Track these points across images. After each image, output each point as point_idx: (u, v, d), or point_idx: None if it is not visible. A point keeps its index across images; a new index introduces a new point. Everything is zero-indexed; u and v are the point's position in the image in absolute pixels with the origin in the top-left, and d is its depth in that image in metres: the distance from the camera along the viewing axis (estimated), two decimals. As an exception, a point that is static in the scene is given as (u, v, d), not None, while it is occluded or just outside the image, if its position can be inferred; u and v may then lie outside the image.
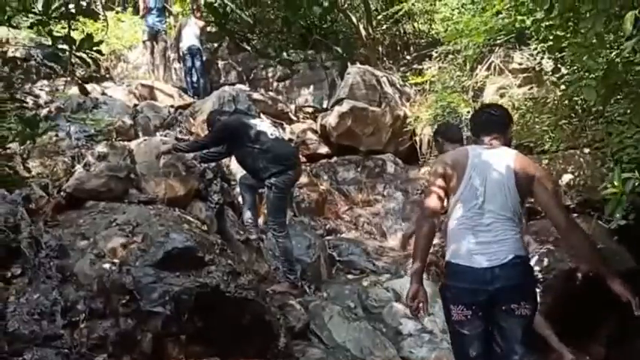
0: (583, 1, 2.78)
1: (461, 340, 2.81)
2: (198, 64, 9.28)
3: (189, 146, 5.34)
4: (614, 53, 3.18)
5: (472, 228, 2.77)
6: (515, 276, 2.74)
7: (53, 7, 2.67)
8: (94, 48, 2.88)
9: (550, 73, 4.71)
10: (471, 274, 2.73)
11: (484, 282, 2.70)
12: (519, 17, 3.73)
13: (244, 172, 5.31)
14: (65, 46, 2.91)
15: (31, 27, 2.81)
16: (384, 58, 11.33)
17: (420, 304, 2.80)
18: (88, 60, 2.96)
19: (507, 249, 2.73)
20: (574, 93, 4.05)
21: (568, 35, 3.31)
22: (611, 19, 2.73)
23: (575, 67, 4.01)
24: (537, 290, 3.00)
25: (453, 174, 2.85)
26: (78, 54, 2.93)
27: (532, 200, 2.99)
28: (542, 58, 5.37)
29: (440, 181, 2.87)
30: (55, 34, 2.93)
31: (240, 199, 5.22)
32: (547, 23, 3.31)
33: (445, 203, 2.92)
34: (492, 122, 3.03)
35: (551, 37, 3.65)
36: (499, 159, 2.84)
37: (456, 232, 2.82)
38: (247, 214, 5.12)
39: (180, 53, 9.46)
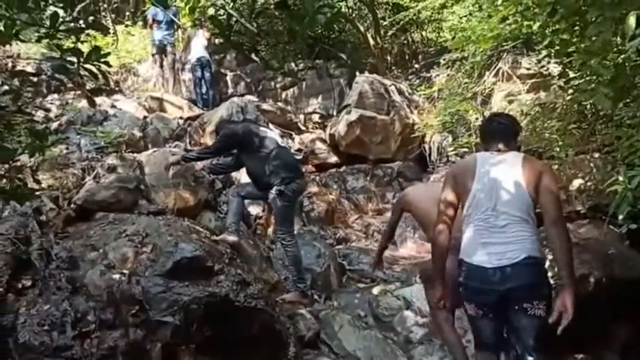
0: (588, 6, 2.77)
1: (475, 328, 2.98)
2: (207, 75, 9.35)
3: (198, 154, 5.32)
4: (622, 57, 3.16)
5: (487, 229, 2.83)
6: (527, 275, 2.76)
7: (61, 21, 2.69)
8: (102, 60, 2.90)
9: (557, 78, 4.67)
10: (481, 273, 2.80)
11: (494, 282, 2.76)
12: (525, 22, 3.71)
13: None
14: (73, 59, 2.94)
15: (39, 40, 2.82)
16: (393, 67, 11.36)
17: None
18: (96, 72, 2.99)
19: (520, 249, 2.76)
20: (583, 98, 4.02)
21: (574, 40, 3.29)
22: (617, 23, 2.72)
23: (583, 72, 3.99)
24: (552, 293, 2.91)
25: (462, 182, 2.95)
26: (86, 66, 2.95)
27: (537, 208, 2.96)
28: (549, 62, 5.35)
29: (451, 197, 2.99)
30: (63, 47, 2.97)
31: (231, 204, 5.07)
32: (552, 28, 3.29)
33: (456, 213, 3.03)
34: (501, 131, 3.08)
35: (557, 42, 3.63)
36: (508, 163, 2.91)
37: (471, 233, 2.89)
38: (231, 219, 4.94)
39: (189, 65, 9.54)
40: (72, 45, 2.91)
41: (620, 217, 2.51)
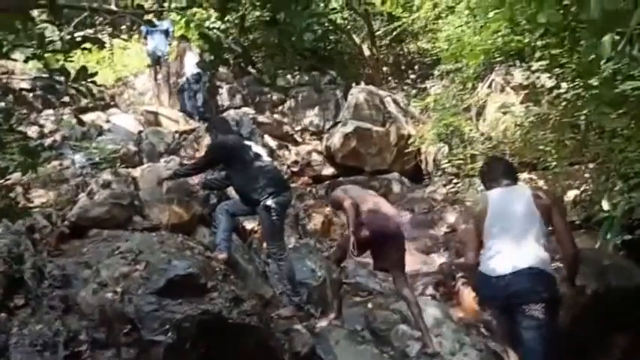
0: (579, 24, 2.77)
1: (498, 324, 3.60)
2: (201, 88, 9.34)
3: (188, 170, 5.30)
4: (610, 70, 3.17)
5: (497, 247, 3.33)
6: (526, 281, 3.22)
7: (49, 40, 2.69)
8: (90, 80, 2.90)
9: (548, 91, 4.68)
10: (490, 281, 3.31)
11: (499, 287, 3.26)
12: (516, 37, 3.72)
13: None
14: (61, 78, 2.94)
15: (26, 61, 2.82)
16: (389, 77, 11.39)
17: None
18: (85, 91, 2.98)
19: (525, 261, 3.22)
20: (574, 109, 4.03)
21: (564, 54, 3.29)
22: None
23: (573, 84, 4.00)
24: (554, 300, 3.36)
25: (480, 215, 3.46)
26: (74, 85, 2.95)
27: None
28: (541, 74, 5.35)
29: (472, 225, 3.52)
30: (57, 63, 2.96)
31: (219, 221, 5.04)
32: (542, 43, 3.30)
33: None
34: (510, 168, 3.71)
35: (547, 57, 3.64)
36: (518, 193, 3.49)
37: (486, 250, 3.39)
38: (221, 235, 4.89)
39: (184, 80, 9.52)
40: (65, 61, 2.91)
41: (610, 247, 2.53)
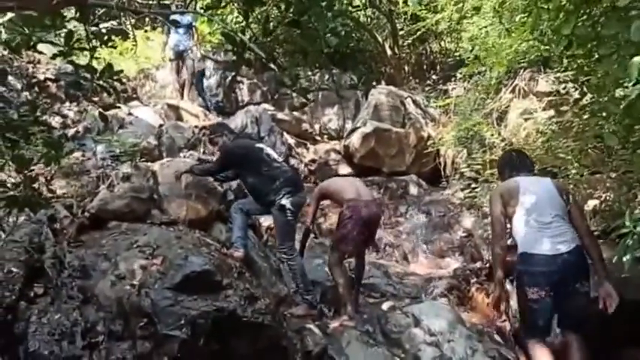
0: (602, 40, 2.73)
1: (535, 311, 3.65)
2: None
3: (202, 171, 5.39)
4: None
5: (539, 228, 3.59)
6: (578, 261, 3.58)
7: (76, 39, 2.74)
8: (115, 77, 2.94)
9: (573, 101, 4.63)
10: (545, 259, 3.53)
11: (556, 265, 3.52)
12: (542, 46, 3.68)
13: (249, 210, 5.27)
14: (87, 75, 2.98)
15: (54, 57, 2.87)
16: (410, 77, 11.33)
17: (503, 305, 4.05)
18: (109, 88, 3.03)
19: (570, 239, 3.57)
20: (599, 120, 3.98)
21: (591, 65, 3.26)
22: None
23: (597, 95, 3.95)
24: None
25: (510, 199, 3.74)
26: (100, 82, 2.99)
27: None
28: (566, 83, 5.28)
29: (500, 208, 3.75)
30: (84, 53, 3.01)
31: (235, 219, 5.09)
32: (569, 53, 3.26)
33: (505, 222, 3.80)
34: (528, 160, 4.08)
35: (574, 67, 3.60)
36: (542, 181, 3.88)
37: (528, 232, 3.62)
38: (237, 233, 4.93)
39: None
40: (92, 58, 2.95)
41: (626, 267, 2.47)
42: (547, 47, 3.68)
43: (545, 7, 3.44)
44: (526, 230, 3.64)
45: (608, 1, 2.53)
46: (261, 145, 5.33)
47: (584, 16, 2.72)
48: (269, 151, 5.27)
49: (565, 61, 3.68)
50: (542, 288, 3.57)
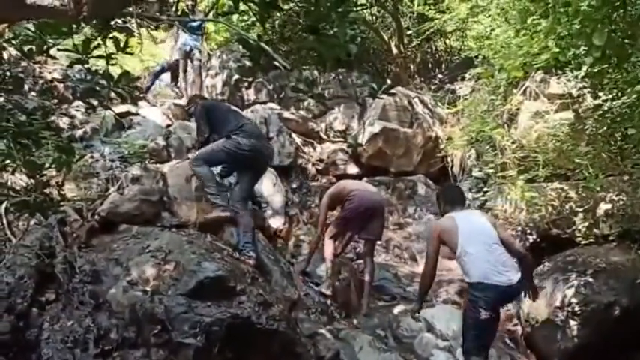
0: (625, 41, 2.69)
1: (487, 329, 4.01)
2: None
3: (200, 144, 5.58)
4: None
5: (486, 259, 3.94)
6: (521, 287, 4.09)
7: (94, 46, 2.70)
8: (131, 84, 2.90)
9: (594, 107, 4.58)
10: (499, 289, 3.89)
11: (506, 293, 4.00)
12: (557, 49, 3.64)
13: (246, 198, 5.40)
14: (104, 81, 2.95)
15: (70, 65, 2.83)
16: (415, 76, 11.26)
17: None
18: (125, 95, 2.99)
19: (514, 268, 3.98)
20: (615, 124, 3.94)
21: (610, 70, 3.22)
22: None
23: (613, 98, 3.92)
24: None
25: (450, 238, 4.07)
26: (116, 89, 2.96)
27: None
28: (580, 84, 5.23)
29: (436, 247, 4.18)
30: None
31: (242, 220, 5.04)
32: (589, 59, 3.21)
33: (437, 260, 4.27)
34: (463, 195, 4.57)
35: (594, 71, 3.56)
36: (477, 215, 4.36)
37: (475, 263, 3.96)
38: (244, 239, 4.96)
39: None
40: (108, 65, 2.91)
41: None
42: (560, 51, 3.63)
43: (564, 11, 3.39)
44: (473, 261, 3.97)
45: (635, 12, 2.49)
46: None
47: (612, 25, 2.68)
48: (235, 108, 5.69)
49: (585, 65, 3.61)
50: (494, 311, 3.97)
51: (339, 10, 2.85)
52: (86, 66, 2.88)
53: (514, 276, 3.93)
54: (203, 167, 5.20)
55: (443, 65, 11.69)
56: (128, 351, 3.68)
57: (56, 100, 6.50)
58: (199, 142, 5.65)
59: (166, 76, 10.61)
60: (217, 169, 5.52)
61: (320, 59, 3.07)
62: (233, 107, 6.12)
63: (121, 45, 2.84)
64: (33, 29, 2.80)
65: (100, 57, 2.69)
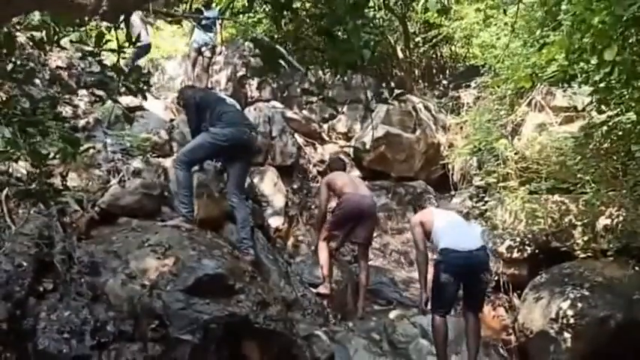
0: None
1: (445, 292, 4.65)
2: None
3: (192, 130, 5.53)
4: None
5: (449, 230, 4.75)
6: (485, 255, 4.75)
7: (106, 40, 2.69)
8: (143, 79, 2.90)
9: (600, 123, 4.59)
10: (460, 254, 4.56)
11: (466, 259, 4.57)
12: (567, 62, 3.65)
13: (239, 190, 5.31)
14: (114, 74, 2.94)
15: (83, 57, 2.83)
16: (419, 81, 11.26)
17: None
18: (135, 90, 2.98)
19: (479, 242, 4.72)
20: (620, 139, 3.95)
21: (618, 86, 3.23)
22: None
23: (619, 111, 3.92)
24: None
25: (427, 215, 5.07)
26: (126, 83, 2.95)
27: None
28: (589, 102, 5.23)
29: (420, 230, 4.94)
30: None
31: (239, 213, 5.06)
32: (599, 75, 3.23)
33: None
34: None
35: (602, 86, 3.57)
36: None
37: (442, 233, 4.75)
38: (242, 234, 4.99)
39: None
40: (119, 59, 2.90)
41: None
42: (569, 64, 3.64)
43: (577, 26, 3.40)
44: (443, 236, 4.70)
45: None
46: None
47: (624, 42, 2.69)
48: (223, 95, 5.73)
49: (593, 80, 3.62)
50: (451, 276, 4.56)
51: (355, 14, 2.84)
52: (97, 59, 2.87)
53: (475, 245, 4.61)
54: (184, 170, 5.07)
55: (447, 72, 11.69)
56: (125, 344, 3.66)
57: (59, 89, 6.45)
58: (191, 132, 5.60)
59: (171, 69, 10.60)
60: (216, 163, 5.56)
61: (332, 63, 3.06)
62: (221, 95, 6.13)
63: (133, 39, 2.82)
64: (45, 18, 2.80)
65: (111, 50, 2.68)
